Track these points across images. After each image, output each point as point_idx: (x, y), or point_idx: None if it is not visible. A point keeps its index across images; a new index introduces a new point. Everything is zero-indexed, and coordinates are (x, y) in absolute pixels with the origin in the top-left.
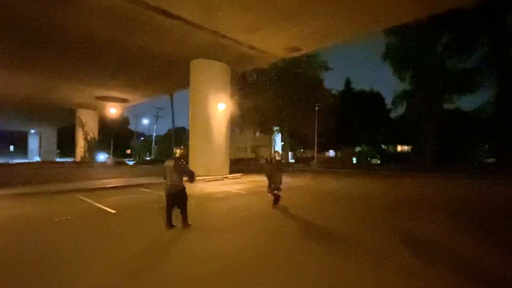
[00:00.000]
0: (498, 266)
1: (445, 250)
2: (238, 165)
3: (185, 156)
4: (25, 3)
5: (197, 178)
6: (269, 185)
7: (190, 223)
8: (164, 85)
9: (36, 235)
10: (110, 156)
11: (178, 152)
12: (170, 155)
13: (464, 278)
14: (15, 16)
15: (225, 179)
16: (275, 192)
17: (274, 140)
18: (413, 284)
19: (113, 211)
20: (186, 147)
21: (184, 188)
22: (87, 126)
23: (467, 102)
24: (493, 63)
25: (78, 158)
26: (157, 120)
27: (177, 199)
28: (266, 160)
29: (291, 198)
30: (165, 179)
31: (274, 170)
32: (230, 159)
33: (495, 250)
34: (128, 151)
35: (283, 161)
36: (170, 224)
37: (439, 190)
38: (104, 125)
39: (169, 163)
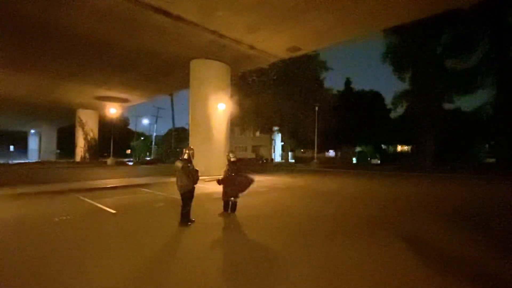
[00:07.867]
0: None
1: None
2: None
3: (193, 157)
4: (26, 3)
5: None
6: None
7: (189, 223)
8: (164, 85)
9: (36, 235)
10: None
11: (186, 153)
12: (170, 155)
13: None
14: (15, 16)
15: None
16: (232, 198)
17: (274, 140)
18: None
19: (113, 211)
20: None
21: (192, 189)
22: (87, 126)
23: (467, 102)
24: (493, 63)
25: (78, 158)
26: (157, 120)
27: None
28: (229, 161)
29: (292, 197)
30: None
31: (230, 172)
32: None
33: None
34: (128, 151)
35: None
36: (189, 220)
37: (440, 190)
38: (104, 125)
39: (178, 164)
